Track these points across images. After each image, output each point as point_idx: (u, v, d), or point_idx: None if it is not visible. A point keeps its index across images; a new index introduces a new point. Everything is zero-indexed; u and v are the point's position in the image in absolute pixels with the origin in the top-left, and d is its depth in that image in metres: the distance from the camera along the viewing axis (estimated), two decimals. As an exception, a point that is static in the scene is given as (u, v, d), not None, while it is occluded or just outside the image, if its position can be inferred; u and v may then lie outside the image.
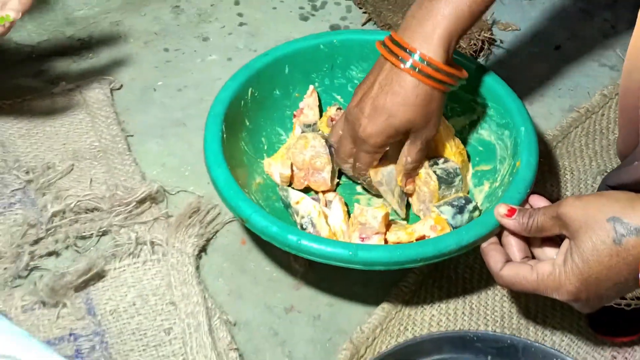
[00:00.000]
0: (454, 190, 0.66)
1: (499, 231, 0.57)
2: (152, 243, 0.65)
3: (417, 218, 0.68)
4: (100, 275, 0.62)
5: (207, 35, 0.91)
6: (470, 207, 0.64)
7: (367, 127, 0.60)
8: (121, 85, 0.84)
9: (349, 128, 0.62)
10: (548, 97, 0.86)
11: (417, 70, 0.58)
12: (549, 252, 0.56)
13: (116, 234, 0.66)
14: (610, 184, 0.53)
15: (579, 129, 0.80)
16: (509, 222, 0.55)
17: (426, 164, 0.66)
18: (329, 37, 0.74)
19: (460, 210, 0.63)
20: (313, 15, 0.95)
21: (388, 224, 0.63)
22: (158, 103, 0.82)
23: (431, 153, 0.68)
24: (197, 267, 0.65)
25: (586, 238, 0.49)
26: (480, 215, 0.65)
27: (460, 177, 0.66)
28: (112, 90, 0.82)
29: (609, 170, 0.75)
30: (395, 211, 0.67)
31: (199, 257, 0.66)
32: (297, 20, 0.94)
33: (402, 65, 0.58)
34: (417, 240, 0.61)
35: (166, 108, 0.82)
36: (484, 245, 0.57)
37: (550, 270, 0.51)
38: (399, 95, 0.58)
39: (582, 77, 0.89)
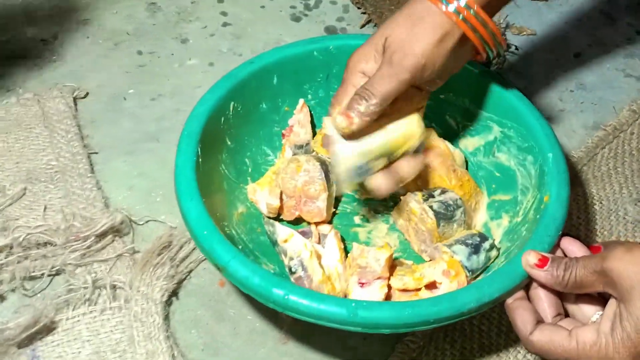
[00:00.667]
0: (455, 225, 0.57)
1: (527, 283, 0.48)
2: (113, 287, 0.55)
3: (420, 258, 0.58)
4: (49, 328, 0.52)
5: (186, 36, 0.81)
6: (486, 245, 0.55)
7: (407, 57, 0.50)
8: (87, 93, 0.74)
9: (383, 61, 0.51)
10: (569, 112, 0.76)
11: (463, 19, 0.50)
12: (586, 310, 0.47)
13: (71, 274, 0.56)
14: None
15: (605, 150, 0.70)
16: (541, 275, 0.46)
17: (420, 198, 0.56)
18: (323, 42, 0.64)
19: (476, 249, 0.54)
20: (306, 15, 0.85)
21: (392, 265, 0.54)
22: (128, 114, 0.73)
23: (425, 185, 0.59)
24: (167, 316, 0.55)
25: (641, 303, 0.39)
26: (497, 254, 0.55)
27: (462, 208, 0.56)
28: (76, 99, 0.73)
29: (642, 200, 0.66)
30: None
31: (168, 302, 0.56)
32: (288, 21, 0.84)
33: (443, 7, 0.50)
34: (426, 287, 0.52)
35: (137, 120, 0.72)
36: (509, 301, 0.47)
37: (594, 339, 0.42)
38: (440, 46, 0.50)
39: (607, 88, 0.79)
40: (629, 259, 0.41)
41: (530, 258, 0.47)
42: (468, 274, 0.53)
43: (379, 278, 0.52)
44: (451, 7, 0.50)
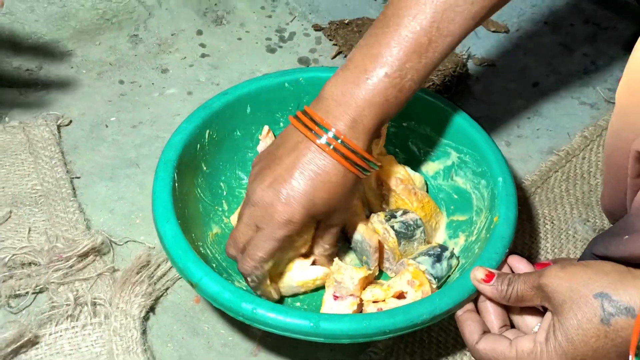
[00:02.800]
0: (416, 243, 0.61)
1: (476, 296, 0.52)
2: (93, 304, 0.59)
3: (387, 276, 0.62)
4: (33, 342, 0.56)
5: (166, 66, 0.86)
6: (447, 254, 0.59)
7: (284, 213, 0.52)
8: (70, 121, 0.78)
9: (254, 213, 0.53)
10: (526, 138, 0.82)
11: (334, 149, 0.52)
12: (529, 321, 0.51)
13: (54, 292, 0.59)
14: (597, 254, 0.48)
15: (558, 173, 0.75)
16: (487, 289, 0.50)
17: (383, 218, 0.61)
18: (294, 74, 0.69)
19: (438, 258, 0.58)
20: (280, 47, 0.90)
21: (368, 283, 0.58)
22: (109, 141, 0.76)
23: (389, 206, 0.63)
24: (144, 331, 0.58)
25: (571, 315, 0.44)
26: (458, 263, 0.60)
27: (421, 228, 0.61)
28: (59, 126, 0.76)
29: (590, 220, 0.71)
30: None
31: (146, 318, 0.60)
32: (263, 52, 0.89)
33: (317, 141, 0.52)
34: (394, 297, 0.56)
35: (118, 146, 0.76)
36: (459, 313, 0.52)
37: (531, 348, 0.46)
38: (319, 178, 0.52)
39: (562, 115, 0.85)
40: (562, 275, 0.45)
41: (477, 273, 0.51)
42: (434, 281, 0.58)
43: (351, 295, 0.56)
44: (322, 140, 0.52)
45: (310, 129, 0.53)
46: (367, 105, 0.52)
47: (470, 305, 0.52)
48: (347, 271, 0.56)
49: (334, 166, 0.52)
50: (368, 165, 0.54)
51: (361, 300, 0.57)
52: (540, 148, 0.80)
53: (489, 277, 0.50)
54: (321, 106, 0.53)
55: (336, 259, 0.58)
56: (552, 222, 0.70)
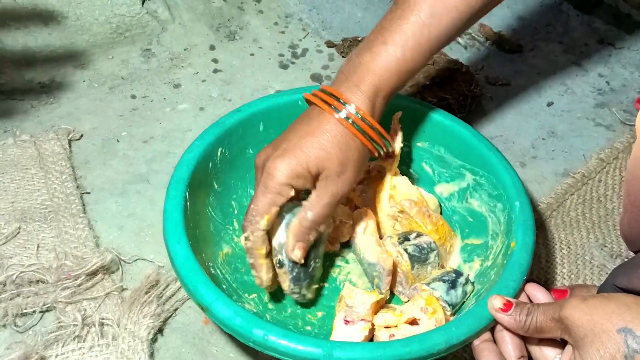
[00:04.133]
0: (430, 267, 0.60)
1: (493, 325, 0.51)
2: (101, 324, 0.58)
3: (399, 300, 0.61)
4: (39, 364, 0.55)
5: (178, 81, 0.85)
6: (462, 280, 0.58)
7: (275, 161, 0.53)
8: (81, 135, 0.77)
9: (257, 177, 0.56)
10: (541, 159, 0.80)
11: (346, 118, 0.54)
12: (547, 352, 0.50)
13: (61, 312, 0.59)
14: (619, 286, 0.47)
15: (574, 197, 0.74)
16: (504, 319, 0.49)
17: (396, 241, 0.60)
18: (307, 91, 0.68)
19: (453, 284, 0.57)
20: (293, 63, 0.89)
21: (380, 307, 0.57)
22: (121, 155, 0.76)
23: (402, 229, 0.62)
24: (152, 354, 0.57)
25: (593, 350, 0.42)
26: (473, 289, 0.59)
27: (435, 252, 0.60)
28: (70, 140, 0.76)
29: (607, 245, 0.69)
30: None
31: (154, 339, 0.58)
32: (276, 68, 0.88)
33: (335, 115, 0.55)
34: (407, 322, 0.55)
35: (129, 161, 0.75)
36: (475, 342, 0.50)
37: (552, 382, 0.44)
38: (316, 133, 0.54)
39: (577, 137, 0.84)
40: (583, 308, 0.44)
41: (495, 302, 0.50)
42: (449, 309, 0.56)
43: (362, 320, 0.55)
44: (342, 114, 0.54)
45: (329, 104, 0.54)
46: (385, 74, 0.55)
47: (487, 335, 0.51)
48: (359, 295, 0.55)
49: (337, 129, 0.54)
50: (382, 142, 0.56)
51: (373, 325, 0.56)
52: (556, 170, 0.79)
53: (507, 307, 0.49)
54: (338, 84, 0.56)
55: (347, 283, 0.57)
56: (569, 247, 0.69)
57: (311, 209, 0.54)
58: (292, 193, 0.54)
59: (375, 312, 0.56)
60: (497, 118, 0.85)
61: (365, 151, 0.56)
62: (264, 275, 0.56)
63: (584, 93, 0.90)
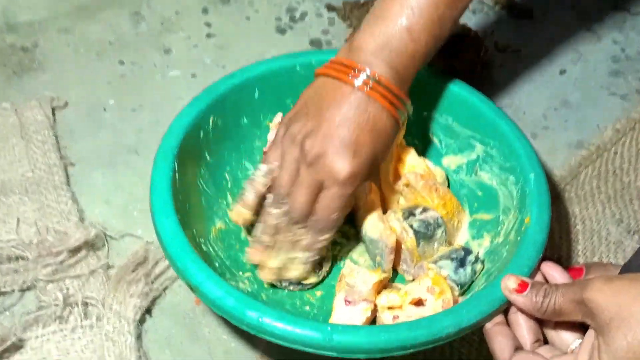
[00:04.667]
0: (436, 244, 0.56)
1: (506, 307, 0.47)
2: (84, 304, 0.54)
3: (403, 279, 0.57)
4: (17, 347, 0.51)
5: (169, 46, 0.80)
6: (471, 258, 0.54)
7: (346, 166, 0.50)
8: (66, 103, 0.73)
9: (314, 175, 0.51)
10: (553, 130, 0.76)
11: (375, 91, 0.51)
12: (565, 336, 0.46)
13: (42, 291, 0.55)
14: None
15: (589, 169, 0.70)
16: (520, 300, 0.45)
17: (400, 216, 0.56)
18: (307, 57, 0.64)
19: (462, 263, 0.53)
20: (291, 27, 0.84)
21: (383, 287, 0.53)
22: (108, 125, 0.71)
23: (407, 203, 0.58)
24: (139, 336, 0.54)
25: (619, 335, 0.39)
26: (483, 267, 0.55)
27: (442, 228, 0.56)
28: (54, 109, 0.72)
29: (624, 220, 0.65)
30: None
31: (142, 320, 0.55)
32: (272, 33, 0.83)
33: (356, 83, 0.51)
34: (412, 303, 0.51)
35: (117, 131, 0.71)
36: (487, 325, 0.47)
37: (572, 370, 0.41)
38: (371, 127, 0.51)
39: (591, 107, 0.79)
40: (608, 290, 0.40)
41: (509, 283, 0.46)
42: (457, 288, 0.53)
43: (364, 300, 0.51)
44: (359, 81, 0.51)
45: (348, 74, 0.52)
46: (407, 55, 0.52)
47: (500, 318, 0.47)
48: (360, 274, 0.52)
49: (380, 112, 0.51)
50: (404, 108, 0.53)
51: (375, 305, 0.52)
52: (569, 141, 0.75)
53: (523, 287, 0.45)
54: (352, 53, 0.53)
55: (348, 261, 0.53)
56: (583, 223, 0.65)
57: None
58: None
59: (378, 292, 0.53)
60: (507, 86, 0.80)
61: (394, 123, 0.53)
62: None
63: (598, 61, 0.85)
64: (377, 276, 0.51)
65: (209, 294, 0.46)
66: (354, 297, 0.52)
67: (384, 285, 0.53)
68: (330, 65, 0.53)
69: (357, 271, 0.52)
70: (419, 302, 0.51)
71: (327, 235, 0.53)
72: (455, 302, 0.52)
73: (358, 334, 0.44)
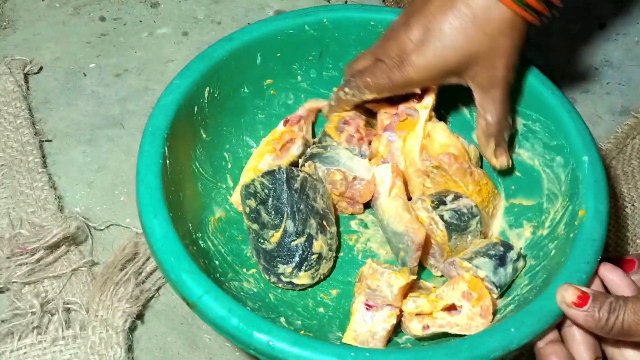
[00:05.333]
0: (470, 237, 0.49)
1: (561, 321, 0.40)
2: (66, 310, 0.47)
3: (430, 273, 0.50)
4: (-12, 363, 0.44)
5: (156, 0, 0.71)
6: (513, 255, 0.47)
7: (412, 56, 0.47)
8: (40, 68, 0.65)
9: (383, 46, 0.49)
10: (593, 94, 0.68)
11: None
12: (629, 355, 0.39)
13: (16, 295, 0.48)
14: None
15: (637, 141, 0.62)
16: (579, 316, 0.38)
17: (429, 205, 0.48)
18: (316, 14, 0.55)
19: (502, 261, 0.46)
20: (296, -25, 0.74)
21: (409, 288, 0.46)
22: (88, 93, 0.63)
23: (435, 187, 0.51)
24: (130, 347, 0.47)
25: None
26: (524, 265, 0.47)
27: (477, 217, 0.49)
28: (27, 75, 0.64)
29: (679, 201, 0.58)
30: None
31: (132, 327, 0.48)
32: (275, -18, 0.73)
33: None
34: (444, 310, 0.44)
35: (99, 100, 0.63)
36: (540, 344, 0.40)
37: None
38: (464, 15, 0.46)
39: (636, 67, 0.71)
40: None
41: (567, 295, 0.39)
42: (496, 291, 0.46)
43: (389, 305, 0.44)
44: None
45: None
46: None
47: (554, 335, 0.40)
48: (384, 276, 0.44)
49: (489, 6, 0.45)
50: (542, 6, 0.46)
51: (401, 311, 0.45)
52: (612, 107, 0.67)
53: (583, 300, 0.38)
54: None
55: (369, 261, 0.46)
56: (633, 205, 0.57)
57: (488, 112, 0.49)
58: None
59: (405, 296, 0.45)
60: (539, 43, 0.72)
61: (523, 24, 0.47)
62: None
63: (642, 11, 0.76)
64: (404, 280, 0.44)
65: (208, 312, 0.39)
66: (377, 301, 0.45)
67: (410, 285, 0.46)
68: None
69: (380, 273, 0.45)
70: (451, 307, 0.44)
71: (351, 91, 0.51)
72: (495, 306, 0.45)
73: (387, 359, 0.37)
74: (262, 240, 0.49)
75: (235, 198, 0.53)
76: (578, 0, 0.76)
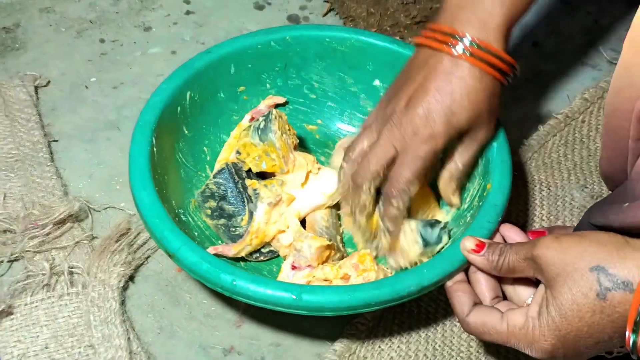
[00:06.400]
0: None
1: (466, 267, 0.50)
2: (70, 273, 0.57)
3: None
4: (7, 313, 0.54)
5: (149, 24, 0.82)
6: (440, 225, 0.56)
7: (426, 128, 0.50)
8: (48, 82, 0.74)
9: (394, 135, 0.51)
10: (524, 100, 0.78)
11: (469, 54, 0.50)
12: (522, 292, 0.49)
13: (29, 261, 0.57)
14: (595, 224, 0.46)
15: (557, 137, 0.72)
16: (477, 259, 0.48)
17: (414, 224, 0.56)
18: (281, 32, 0.65)
19: (431, 226, 0.55)
20: (269, 3, 0.85)
21: (328, 257, 0.55)
22: (89, 102, 0.73)
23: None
24: (123, 301, 0.56)
25: (565, 289, 0.41)
26: (450, 238, 0.57)
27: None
28: (37, 87, 0.73)
29: (588, 186, 0.68)
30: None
31: (125, 287, 0.58)
32: (251, 9, 0.85)
33: (446, 49, 0.50)
34: (342, 278, 0.53)
35: (99, 108, 0.73)
36: (448, 284, 0.50)
37: (523, 322, 0.44)
38: (456, 87, 0.50)
39: (562, 77, 0.81)
40: (556, 247, 0.43)
41: (467, 243, 0.49)
42: (421, 243, 0.54)
43: (309, 266, 0.54)
44: (454, 48, 0.50)
45: (440, 41, 0.51)
46: (495, 2, 0.50)
47: (461, 276, 0.50)
48: (307, 239, 0.54)
49: (469, 71, 0.50)
50: (508, 67, 0.52)
51: (313, 276, 0.54)
52: (539, 111, 0.77)
53: (480, 247, 0.48)
54: (445, 17, 0.52)
55: (297, 224, 0.55)
56: (549, 189, 0.68)
57: (460, 160, 0.54)
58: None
59: (324, 261, 0.55)
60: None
61: (501, 87, 0.53)
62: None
63: (571, 32, 0.87)
64: (320, 242, 0.53)
65: (185, 260, 0.49)
66: (300, 262, 0.54)
67: (328, 255, 0.55)
68: (428, 34, 0.52)
69: (305, 235, 0.54)
70: (344, 277, 0.53)
71: (402, 198, 0.52)
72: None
73: (325, 293, 0.47)
74: (233, 229, 0.57)
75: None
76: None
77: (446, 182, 0.56)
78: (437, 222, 0.56)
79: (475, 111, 0.51)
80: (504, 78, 0.52)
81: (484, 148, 0.57)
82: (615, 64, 0.46)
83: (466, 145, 0.54)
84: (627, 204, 0.42)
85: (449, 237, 0.57)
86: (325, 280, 0.53)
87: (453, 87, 0.50)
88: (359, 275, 0.52)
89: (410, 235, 0.54)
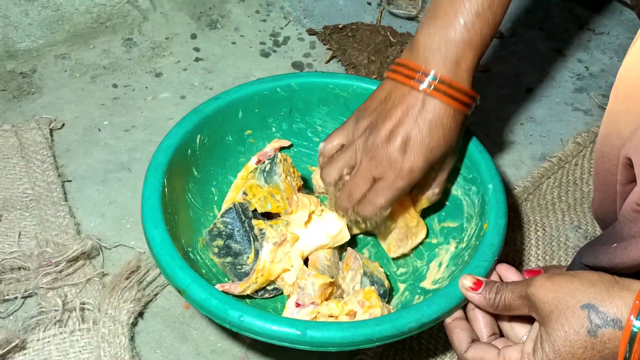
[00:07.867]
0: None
1: (465, 304, 0.52)
2: (82, 309, 0.59)
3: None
4: (20, 348, 0.55)
5: (160, 70, 0.85)
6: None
7: (407, 163, 0.55)
8: (63, 125, 0.78)
9: (373, 167, 0.56)
10: (519, 144, 0.81)
11: (441, 92, 0.54)
12: (518, 330, 0.51)
13: (42, 297, 0.59)
14: (586, 264, 0.48)
15: (551, 180, 0.75)
16: (475, 297, 0.50)
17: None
18: (286, 80, 0.69)
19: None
20: (275, 51, 0.90)
21: (330, 294, 0.57)
22: (102, 144, 0.76)
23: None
24: (132, 337, 0.58)
25: (558, 326, 0.43)
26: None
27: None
28: (52, 130, 0.76)
29: (582, 227, 0.70)
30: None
31: (134, 324, 0.59)
32: (257, 57, 0.89)
33: (421, 87, 0.54)
34: (347, 314, 0.55)
35: (111, 150, 0.76)
36: (447, 320, 0.52)
37: (519, 358, 0.46)
38: (434, 125, 0.55)
39: (555, 122, 0.85)
40: (549, 285, 0.45)
41: (465, 281, 0.51)
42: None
43: (312, 303, 0.56)
44: (425, 84, 0.54)
45: (413, 78, 0.55)
46: (466, 47, 0.54)
47: (459, 313, 0.52)
48: (310, 277, 0.55)
49: (445, 109, 0.54)
50: (472, 101, 0.56)
51: (318, 312, 0.56)
52: (533, 154, 0.80)
53: (477, 285, 0.50)
54: (419, 57, 0.55)
55: (300, 263, 0.58)
56: (544, 229, 0.70)
57: (437, 187, 0.61)
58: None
59: (327, 298, 0.57)
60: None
61: (465, 117, 0.57)
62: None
63: (563, 78, 0.91)
64: (324, 280, 0.55)
65: (194, 296, 0.51)
66: (304, 300, 0.56)
67: (331, 292, 0.57)
68: (396, 68, 0.57)
69: (308, 274, 0.56)
70: (352, 313, 0.55)
71: (373, 220, 0.58)
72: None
73: (329, 329, 0.49)
74: (239, 266, 0.60)
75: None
76: (509, 69, 0.92)
77: (424, 206, 0.63)
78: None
79: (448, 146, 0.56)
80: (468, 110, 0.57)
81: (481, 190, 0.60)
82: (605, 108, 0.49)
83: (440, 173, 0.60)
84: (615, 244, 0.44)
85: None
86: (331, 316, 0.54)
87: (430, 125, 0.54)
88: (365, 312, 0.54)
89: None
